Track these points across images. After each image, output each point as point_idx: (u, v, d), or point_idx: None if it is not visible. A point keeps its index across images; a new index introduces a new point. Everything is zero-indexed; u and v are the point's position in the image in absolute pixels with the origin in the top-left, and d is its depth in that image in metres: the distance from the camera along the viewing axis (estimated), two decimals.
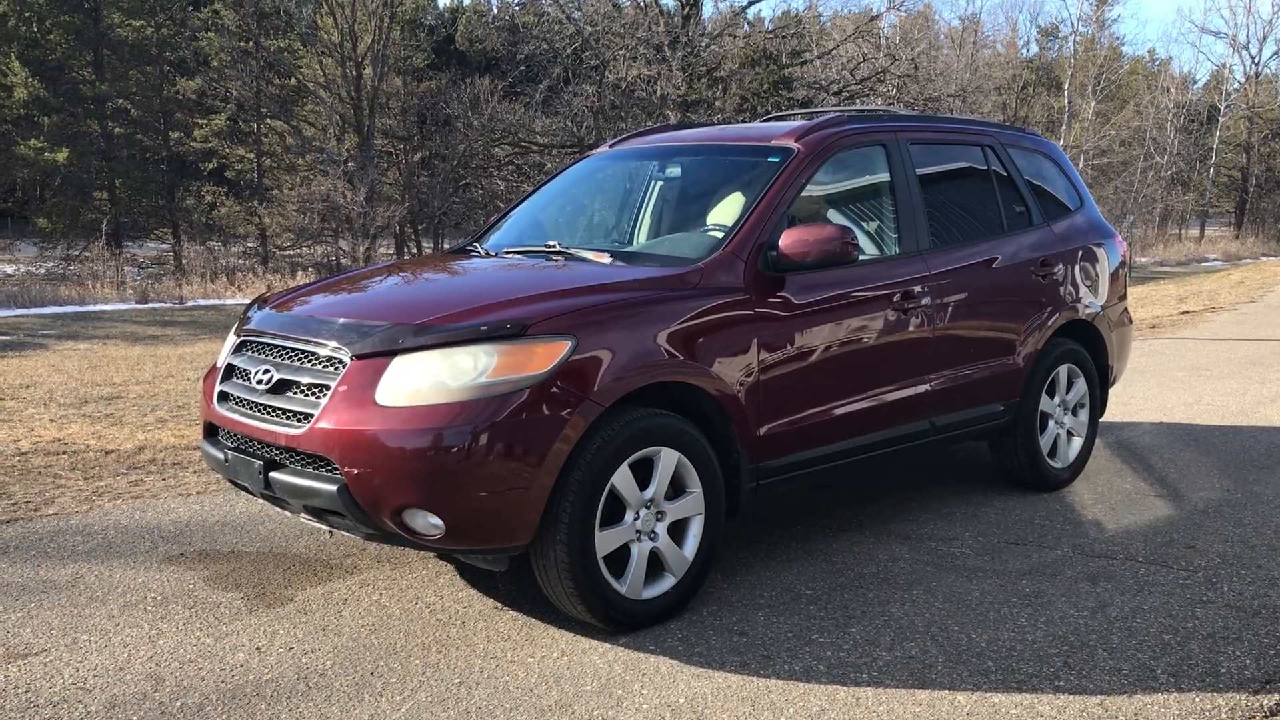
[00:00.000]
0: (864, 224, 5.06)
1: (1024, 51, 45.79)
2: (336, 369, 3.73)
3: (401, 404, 3.57)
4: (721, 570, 4.47)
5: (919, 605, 4.13)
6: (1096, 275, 6.01)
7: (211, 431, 4.28)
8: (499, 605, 4.12)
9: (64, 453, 6.56)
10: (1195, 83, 46.24)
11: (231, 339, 4.40)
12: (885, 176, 5.06)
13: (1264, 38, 44.05)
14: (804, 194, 4.66)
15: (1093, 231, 6.11)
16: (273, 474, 3.80)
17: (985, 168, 5.66)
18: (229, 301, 19.45)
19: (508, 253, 4.94)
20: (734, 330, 4.15)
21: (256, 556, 4.68)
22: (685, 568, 4.00)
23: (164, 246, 32.01)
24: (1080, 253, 5.90)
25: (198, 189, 32.42)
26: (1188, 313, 15.73)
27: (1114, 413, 7.50)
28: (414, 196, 27.44)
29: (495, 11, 34.61)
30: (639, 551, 3.88)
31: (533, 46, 26.27)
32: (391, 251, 28.78)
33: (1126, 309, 6.40)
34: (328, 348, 3.80)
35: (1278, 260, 29.74)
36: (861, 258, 4.68)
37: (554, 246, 4.76)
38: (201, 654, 3.67)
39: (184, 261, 27.44)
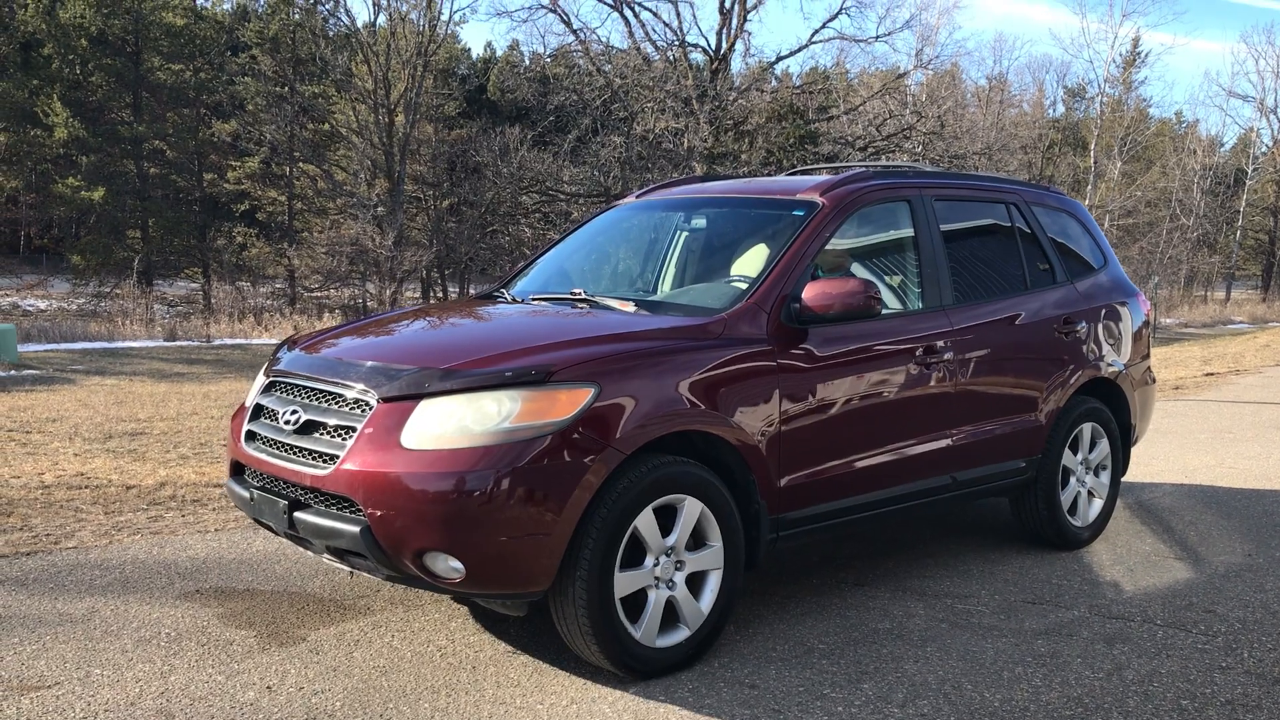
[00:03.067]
0: (887, 278, 5.08)
1: (1050, 111, 45.90)
2: (363, 411, 3.77)
3: (426, 447, 3.60)
4: (735, 622, 4.45)
5: (933, 662, 4.09)
6: (1120, 334, 6.03)
7: (238, 470, 4.31)
8: (510, 650, 4.11)
9: (86, 486, 6.62)
10: (1222, 145, 46.34)
11: (260, 379, 4.45)
12: (909, 232, 5.11)
13: None
14: (828, 247, 4.70)
15: (1116, 290, 6.14)
16: (297, 514, 3.83)
17: (1009, 225, 5.70)
18: (255, 341, 19.63)
19: (533, 299, 4.99)
20: (756, 381, 4.17)
21: (271, 595, 4.70)
22: (700, 621, 3.99)
23: (194, 285, 32.38)
24: (1104, 311, 5.91)
25: (229, 230, 32.86)
26: (1212, 375, 15.61)
27: (1135, 473, 7.45)
28: (441, 242, 27.70)
29: (527, 63, 35.08)
30: (656, 598, 3.88)
31: (563, 97, 26.55)
32: (418, 295, 28.99)
33: (1150, 368, 6.38)
34: (355, 390, 3.83)
35: None
36: (884, 311, 4.72)
37: (579, 294, 4.81)
38: (212, 691, 3.68)
39: (213, 301, 27.73)
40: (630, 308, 4.58)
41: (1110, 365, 5.90)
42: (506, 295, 5.25)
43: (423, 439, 3.61)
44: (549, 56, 30.97)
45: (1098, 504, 5.90)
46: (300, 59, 31.84)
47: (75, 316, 24.27)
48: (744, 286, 4.52)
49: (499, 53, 45.95)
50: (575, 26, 26.62)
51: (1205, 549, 5.78)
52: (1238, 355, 19.44)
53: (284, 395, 4.16)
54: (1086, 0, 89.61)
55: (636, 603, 3.86)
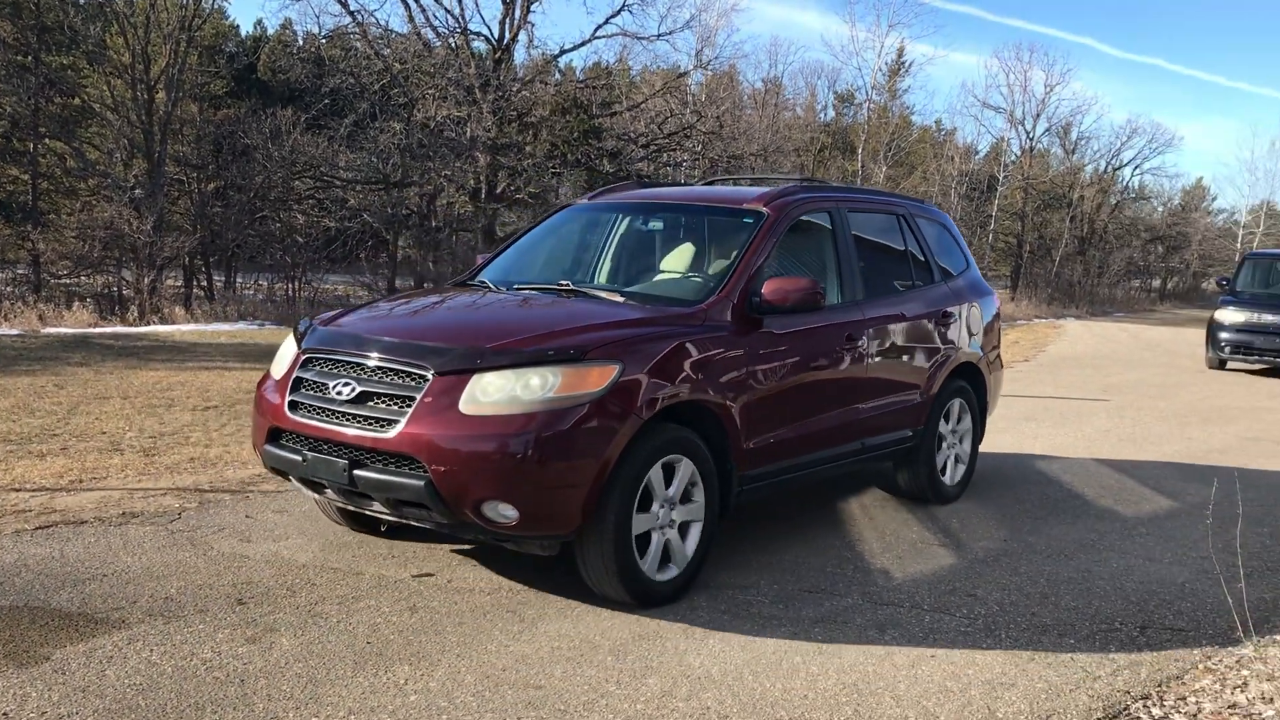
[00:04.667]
0: (815, 276, 5.71)
1: (822, 115, 47.62)
2: (418, 383, 4.37)
3: (482, 414, 4.25)
4: (519, 623, 4.38)
5: (716, 655, 4.14)
6: (979, 326, 7.21)
7: (274, 436, 4.79)
8: (282, 661, 3.89)
9: None
10: (977, 153, 49.14)
11: (290, 354, 4.97)
12: (831, 237, 6.03)
13: (1037, 115, 47.18)
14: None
15: (975, 289, 7.30)
16: (357, 472, 4.38)
17: (900, 233, 6.77)
18: None
19: (519, 288, 5.64)
20: (732, 360, 4.96)
21: (10, 611, 4.27)
22: (686, 561, 4.78)
23: None
24: (969, 307, 7.07)
25: None
26: None
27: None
28: (206, 227, 26.19)
29: (301, 43, 33.70)
30: (658, 540, 4.65)
31: (339, 80, 25.56)
32: (180, 284, 27.32)
33: (999, 354, 7.63)
34: (411, 365, 4.42)
35: (1049, 322, 31.94)
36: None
37: (566, 285, 5.56)
38: None
39: None
40: (618, 298, 5.29)
41: (973, 351, 7.06)
42: (489, 284, 5.81)
43: (479, 407, 4.27)
44: (324, 37, 29.76)
45: (962, 467, 7.06)
46: (46, 27, 29.38)
47: None
48: (710, 281, 5.37)
49: (270, 31, 43.93)
50: (353, 8, 25.65)
51: (966, 535, 6.12)
52: None
53: (327, 369, 4.69)
54: (856, 9, 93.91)
55: (643, 543, 4.59)
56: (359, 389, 4.49)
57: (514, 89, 25.23)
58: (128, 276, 23.93)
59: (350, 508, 4.84)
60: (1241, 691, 3.92)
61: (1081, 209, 48.72)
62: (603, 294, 5.38)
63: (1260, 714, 3.72)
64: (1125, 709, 3.80)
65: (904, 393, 6.34)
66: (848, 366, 5.80)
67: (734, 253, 5.43)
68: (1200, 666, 4.22)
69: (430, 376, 4.36)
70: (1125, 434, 10.09)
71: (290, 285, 25.13)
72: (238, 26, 45.62)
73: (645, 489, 4.51)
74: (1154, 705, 3.83)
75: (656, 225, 6.24)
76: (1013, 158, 48.25)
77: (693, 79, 34.10)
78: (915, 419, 6.47)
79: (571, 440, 4.24)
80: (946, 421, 6.84)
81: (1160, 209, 57.60)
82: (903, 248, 6.74)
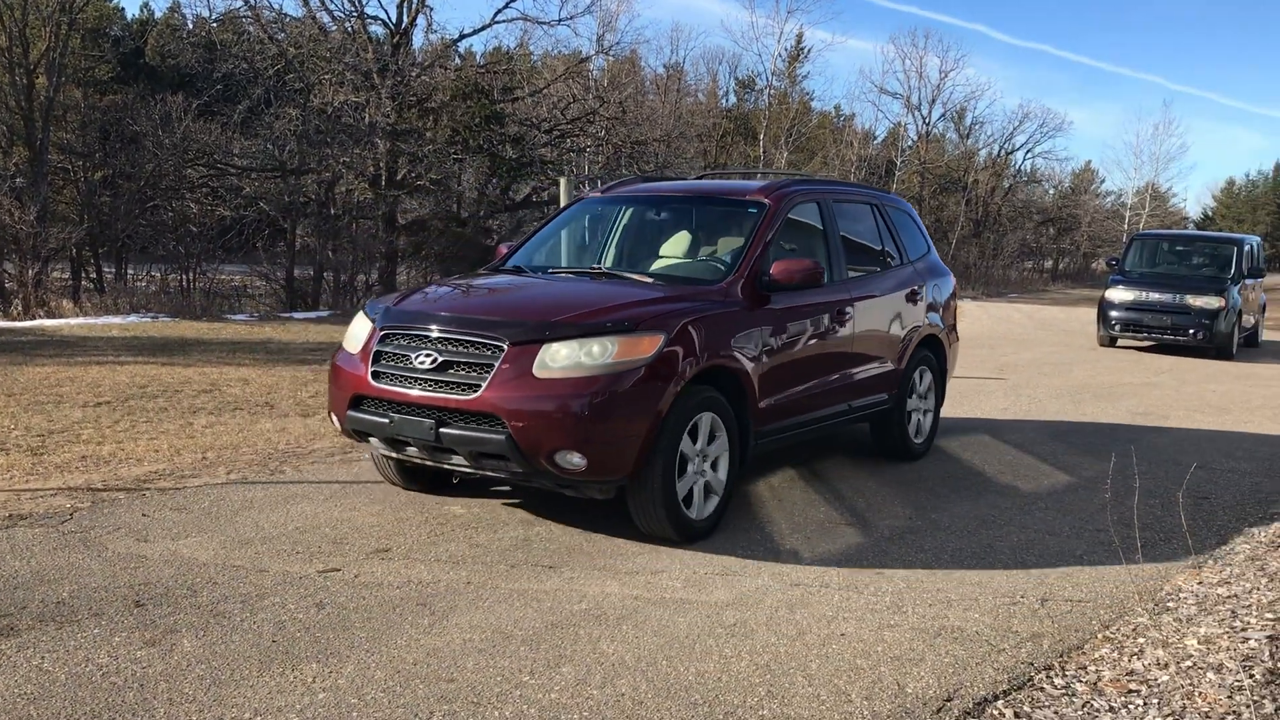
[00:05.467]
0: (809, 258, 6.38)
1: (724, 101, 47.71)
2: (495, 353, 5.08)
3: (554, 377, 4.98)
4: (430, 616, 4.32)
5: (629, 641, 4.13)
6: (941, 303, 8.12)
7: (357, 403, 5.46)
8: (183, 664, 3.77)
9: None
10: (876, 138, 49.84)
11: (365, 330, 5.64)
12: (820, 225, 6.88)
13: (933, 100, 48.04)
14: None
15: (935, 270, 8.23)
16: (443, 429, 5.08)
17: (874, 221, 7.65)
18: None
19: (554, 271, 6.58)
20: (749, 330, 5.76)
21: None
22: (723, 487, 5.59)
23: None
24: (932, 286, 8.00)
25: None
26: None
27: (803, 445, 7.89)
28: (94, 217, 25.26)
29: (190, 27, 32.67)
30: (699, 489, 5.46)
31: (231, 65, 24.81)
32: (67, 276, 26.33)
33: (955, 327, 8.55)
34: (487, 337, 5.12)
35: None
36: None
37: (599, 269, 6.49)
38: None
39: None
40: (646, 279, 6.09)
41: (936, 325, 7.95)
42: (526, 269, 6.61)
43: (549, 371, 5.00)
44: (215, 21, 28.87)
45: (927, 427, 7.94)
46: None
47: None
48: (723, 264, 6.20)
49: (158, 14, 42.54)
50: None
51: (872, 514, 6.21)
52: None
53: (407, 343, 5.36)
54: None
55: (688, 501, 5.37)
56: (440, 359, 5.17)
57: (413, 74, 24.84)
58: (10, 269, 22.95)
59: (429, 463, 5.46)
60: (1138, 659, 4.05)
61: (976, 192, 49.80)
62: (633, 275, 6.21)
63: (1156, 680, 3.85)
64: (1029, 680, 3.90)
65: (882, 361, 7.20)
66: (838, 338, 6.65)
67: (743, 238, 6.23)
68: (1099, 636, 4.35)
69: (505, 346, 5.06)
70: (1023, 411, 10.36)
71: (185, 276, 24.35)
72: (123, 10, 44.14)
73: (682, 452, 5.25)
74: (1056, 675, 3.94)
75: (667, 215, 7.03)
76: (910, 142, 49.09)
77: (595, 64, 33.97)
78: (890, 385, 7.32)
79: (629, 398, 4.98)
80: (915, 387, 7.69)
81: (1051, 192, 59.17)
82: (877, 233, 7.62)
